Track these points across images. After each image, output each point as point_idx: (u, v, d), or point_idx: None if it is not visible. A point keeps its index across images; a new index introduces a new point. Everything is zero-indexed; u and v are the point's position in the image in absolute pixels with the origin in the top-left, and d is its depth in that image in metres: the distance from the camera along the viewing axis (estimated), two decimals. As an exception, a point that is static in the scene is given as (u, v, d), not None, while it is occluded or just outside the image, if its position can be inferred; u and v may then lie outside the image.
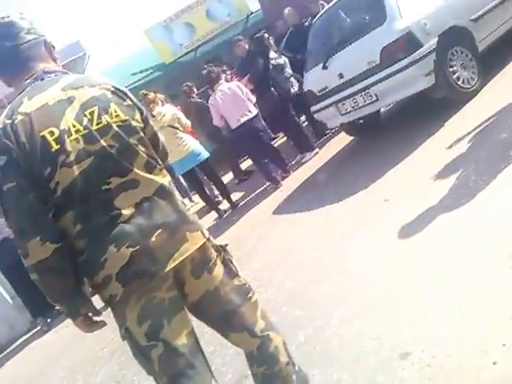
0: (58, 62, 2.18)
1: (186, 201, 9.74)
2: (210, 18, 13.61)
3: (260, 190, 7.80)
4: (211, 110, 7.57)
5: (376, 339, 2.63)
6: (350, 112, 6.21)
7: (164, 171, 2.12)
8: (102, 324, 2.09)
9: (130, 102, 2.08)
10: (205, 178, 8.07)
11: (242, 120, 7.31)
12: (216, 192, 8.52)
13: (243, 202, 7.83)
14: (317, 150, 7.77)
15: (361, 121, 6.75)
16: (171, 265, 1.95)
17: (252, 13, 13.81)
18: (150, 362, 1.98)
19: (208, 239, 2.12)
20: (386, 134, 6.67)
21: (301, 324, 3.21)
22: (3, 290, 8.23)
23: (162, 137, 2.27)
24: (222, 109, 7.33)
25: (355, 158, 6.51)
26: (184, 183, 9.26)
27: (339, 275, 3.55)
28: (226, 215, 7.66)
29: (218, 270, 2.12)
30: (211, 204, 8.05)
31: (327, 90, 6.38)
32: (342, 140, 7.35)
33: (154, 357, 1.95)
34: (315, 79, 6.65)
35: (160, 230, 1.95)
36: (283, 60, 8.11)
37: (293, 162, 7.92)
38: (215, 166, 8.25)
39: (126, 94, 2.09)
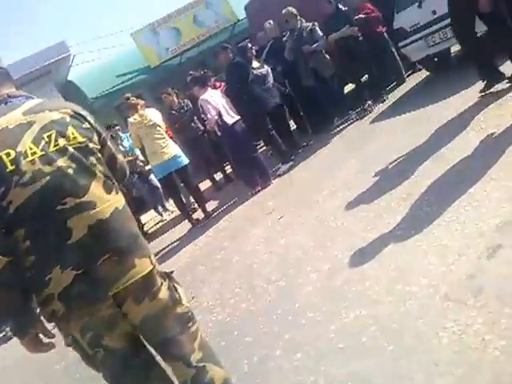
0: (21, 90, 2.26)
1: (160, 209, 9.88)
2: (197, 23, 13.61)
3: (235, 200, 7.84)
4: (206, 106, 7.46)
5: (313, 375, 2.70)
6: (438, 43, 7.35)
7: (120, 194, 2.19)
8: (51, 346, 2.13)
9: (89, 125, 2.18)
10: (181, 185, 8.12)
11: (236, 118, 7.50)
12: (192, 200, 8.58)
13: (217, 212, 7.85)
14: (292, 162, 7.85)
15: (435, 59, 8.10)
16: (113, 291, 2.02)
17: (239, 20, 13.80)
18: (96, 366, 2.12)
19: (154, 266, 2.19)
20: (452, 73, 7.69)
21: (248, 351, 3.28)
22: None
23: (120, 158, 2.36)
24: (220, 105, 7.43)
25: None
26: (160, 190, 9.33)
27: (291, 300, 3.61)
28: (199, 224, 7.69)
29: (162, 296, 2.18)
30: (186, 212, 8.11)
31: (419, 25, 7.53)
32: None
33: (99, 361, 2.09)
34: (408, 18, 7.77)
35: (108, 255, 2.02)
36: (266, 70, 8.15)
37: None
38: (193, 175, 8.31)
39: (85, 118, 2.18)
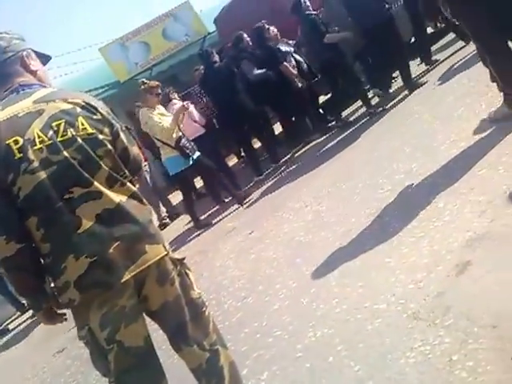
0: (40, 72, 2.29)
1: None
2: (167, 37, 13.62)
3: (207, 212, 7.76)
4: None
5: None
6: None
7: (128, 185, 2.20)
8: (63, 318, 2.24)
9: (100, 117, 2.19)
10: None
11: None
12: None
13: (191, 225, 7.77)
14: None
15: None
16: (127, 276, 2.04)
17: (209, 33, 13.79)
18: (107, 362, 2.08)
19: (168, 252, 2.20)
20: None
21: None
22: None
23: (134, 150, 2.36)
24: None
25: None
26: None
27: (259, 318, 3.56)
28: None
29: (177, 283, 2.21)
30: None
31: None
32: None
33: (111, 358, 2.06)
34: None
35: (118, 242, 2.05)
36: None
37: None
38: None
39: (96, 109, 2.18)
